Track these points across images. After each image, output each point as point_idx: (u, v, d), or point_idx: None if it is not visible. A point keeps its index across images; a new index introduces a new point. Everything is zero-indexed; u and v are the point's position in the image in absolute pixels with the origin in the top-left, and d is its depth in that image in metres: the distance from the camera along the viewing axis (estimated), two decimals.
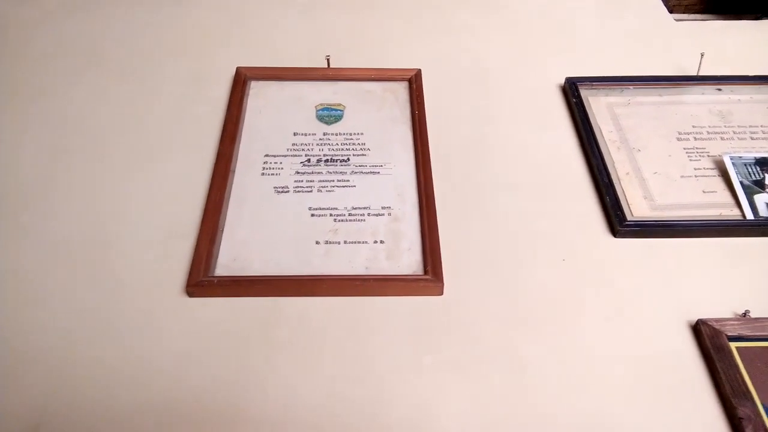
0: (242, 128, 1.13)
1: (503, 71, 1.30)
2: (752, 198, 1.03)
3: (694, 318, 0.88)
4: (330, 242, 0.95)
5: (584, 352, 0.86)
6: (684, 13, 1.48)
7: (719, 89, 1.24)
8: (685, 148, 1.12)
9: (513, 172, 1.09)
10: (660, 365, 0.85)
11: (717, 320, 0.87)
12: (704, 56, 1.25)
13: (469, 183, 1.07)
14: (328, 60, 1.24)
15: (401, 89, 1.22)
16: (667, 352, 0.86)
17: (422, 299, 0.90)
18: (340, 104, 1.19)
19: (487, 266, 0.95)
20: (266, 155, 1.08)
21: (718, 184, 1.06)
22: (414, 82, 1.22)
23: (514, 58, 1.33)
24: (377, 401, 0.80)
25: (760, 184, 1.05)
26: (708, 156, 1.11)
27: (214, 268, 0.92)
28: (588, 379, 0.83)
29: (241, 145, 1.10)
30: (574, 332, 0.88)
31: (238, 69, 1.22)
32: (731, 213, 1.02)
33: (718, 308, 0.90)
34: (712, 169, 1.09)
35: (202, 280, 0.89)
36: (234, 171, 1.05)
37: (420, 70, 1.24)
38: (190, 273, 0.90)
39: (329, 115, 1.17)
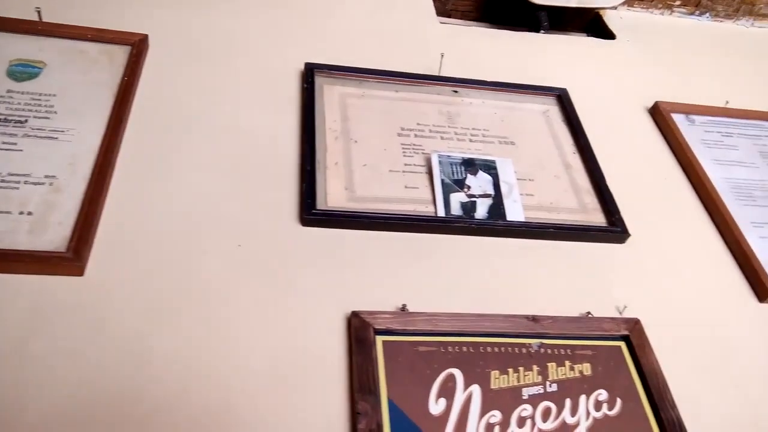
0: None
1: (247, 50, 1.24)
2: (449, 196, 1.04)
3: (354, 310, 0.86)
4: None
5: (228, 343, 0.80)
6: (460, 18, 1.50)
7: (456, 91, 1.26)
8: (402, 144, 1.12)
9: (218, 153, 1.03)
10: (306, 358, 0.81)
11: (370, 313, 0.85)
12: (451, 59, 1.26)
13: (163, 161, 0.99)
14: (38, 12, 1.11)
15: (120, 53, 1.12)
16: (317, 344, 0.83)
17: (58, 279, 0.81)
18: (40, 61, 1.06)
19: (149, 249, 0.87)
20: None
21: (423, 180, 1.07)
22: (136, 48, 1.12)
23: (262, 37, 1.28)
24: None
25: (460, 184, 1.07)
26: (422, 153, 1.11)
27: None
28: (222, 372, 0.78)
29: None
30: (224, 322, 0.82)
31: None
32: (425, 209, 1.02)
33: (382, 302, 0.88)
34: (422, 166, 1.09)
35: None
36: None
37: (147, 36, 1.15)
38: None
39: (23, 71, 1.04)
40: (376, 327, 0.84)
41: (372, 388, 0.78)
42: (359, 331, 0.83)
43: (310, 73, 1.18)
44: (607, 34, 1.59)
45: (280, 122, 1.11)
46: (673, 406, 0.85)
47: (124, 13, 1.21)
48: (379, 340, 0.84)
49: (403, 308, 0.88)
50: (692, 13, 1.67)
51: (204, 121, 1.07)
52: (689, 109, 1.36)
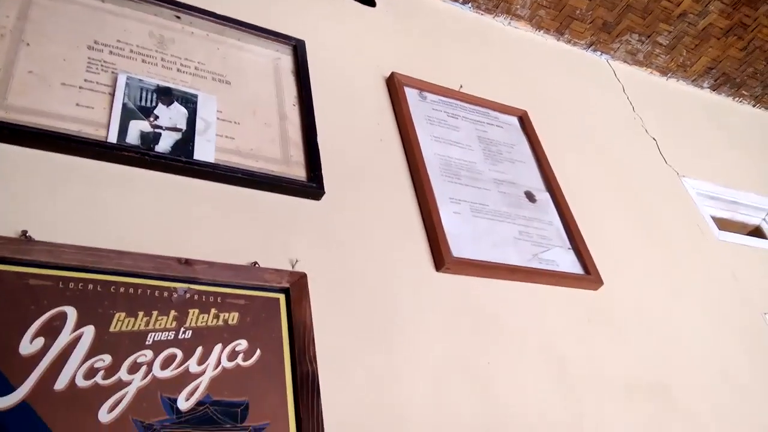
0: None
1: None
2: (128, 123, 0.93)
3: None
4: None
5: None
6: None
7: (178, 17, 1.14)
8: (90, 58, 0.98)
9: None
10: None
11: None
12: None
13: None
14: None
15: None
16: None
17: None
18: None
19: None
20: None
21: (103, 102, 0.94)
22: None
23: None
24: None
25: (146, 112, 0.96)
26: (111, 72, 0.98)
27: None
28: None
29: None
30: None
31: None
32: (95, 132, 0.90)
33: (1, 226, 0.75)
34: (106, 86, 0.96)
35: None
36: None
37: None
38: None
39: None
40: None
41: None
42: None
43: None
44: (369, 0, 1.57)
45: None
46: (313, 361, 0.84)
47: None
48: None
49: (24, 234, 0.75)
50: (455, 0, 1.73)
51: None
52: (423, 86, 1.39)
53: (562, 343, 1.13)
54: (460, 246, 1.13)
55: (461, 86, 1.46)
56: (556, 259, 1.23)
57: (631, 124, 1.82)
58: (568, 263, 1.24)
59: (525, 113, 1.51)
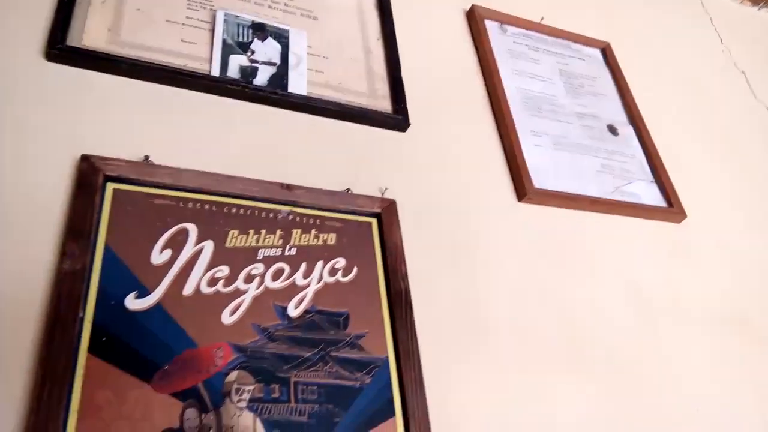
0: None
1: None
2: (228, 57, 0.99)
3: (84, 154, 0.80)
4: None
5: None
6: None
7: None
8: None
9: None
10: (22, 198, 0.75)
11: (103, 159, 0.80)
12: None
13: None
14: None
15: None
16: (39, 185, 0.77)
17: None
18: None
19: None
20: None
21: (204, 38, 1.00)
22: None
23: None
24: None
25: (244, 47, 1.01)
26: (210, 9, 1.03)
27: None
28: None
29: None
30: None
31: None
32: (200, 66, 0.96)
33: (124, 151, 0.83)
34: (206, 22, 1.02)
35: None
36: None
37: None
38: None
39: None
40: (108, 174, 0.79)
41: (87, 232, 0.73)
42: (85, 176, 0.77)
43: None
44: None
45: None
46: (405, 279, 0.90)
47: None
48: (110, 187, 0.79)
49: (146, 159, 0.83)
50: None
51: None
52: (505, 19, 1.38)
53: (642, 274, 1.14)
54: (541, 178, 1.14)
55: (542, 18, 1.44)
56: (638, 192, 1.22)
57: (718, 57, 1.74)
58: (651, 196, 1.24)
59: (608, 45, 1.47)
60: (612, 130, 1.31)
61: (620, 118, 1.35)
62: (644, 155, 1.30)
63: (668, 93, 1.52)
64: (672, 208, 1.23)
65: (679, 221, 1.24)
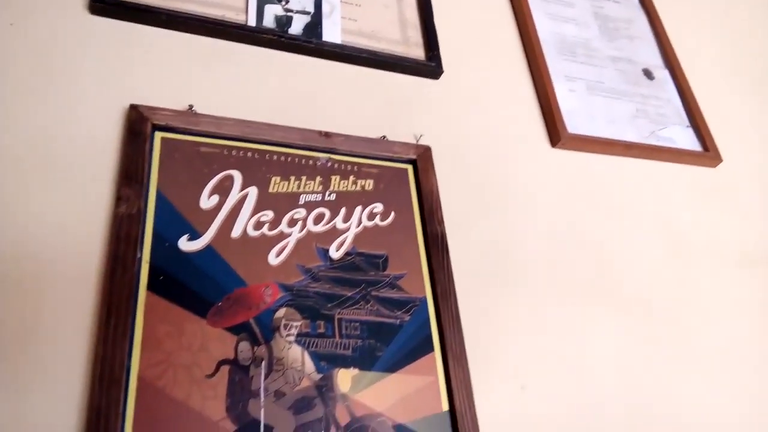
0: None
1: None
2: (264, 7, 1.00)
3: (132, 104, 0.83)
4: None
5: None
6: None
7: None
8: None
9: None
10: (77, 146, 0.79)
11: (150, 108, 0.83)
12: None
13: None
14: None
15: None
16: (92, 133, 0.80)
17: None
18: None
19: None
20: None
21: None
22: None
23: None
24: None
25: None
26: None
27: None
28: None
29: None
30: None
31: None
32: (236, 17, 0.98)
33: (169, 100, 0.86)
34: None
35: None
36: None
37: None
38: None
39: None
40: (156, 122, 0.82)
41: (139, 177, 0.77)
42: (135, 124, 0.81)
43: None
44: None
45: None
46: (441, 223, 0.92)
47: None
48: (158, 135, 0.82)
49: (190, 108, 0.86)
50: None
51: None
52: None
53: (677, 218, 1.15)
54: (575, 123, 1.14)
55: None
56: (674, 137, 1.22)
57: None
58: (687, 140, 1.23)
59: None
60: (647, 74, 1.30)
61: (656, 62, 1.33)
62: (680, 99, 1.29)
63: (705, 36, 1.48)
64: (708, 152, 1.23)
65: (714, 165, 1.23)
